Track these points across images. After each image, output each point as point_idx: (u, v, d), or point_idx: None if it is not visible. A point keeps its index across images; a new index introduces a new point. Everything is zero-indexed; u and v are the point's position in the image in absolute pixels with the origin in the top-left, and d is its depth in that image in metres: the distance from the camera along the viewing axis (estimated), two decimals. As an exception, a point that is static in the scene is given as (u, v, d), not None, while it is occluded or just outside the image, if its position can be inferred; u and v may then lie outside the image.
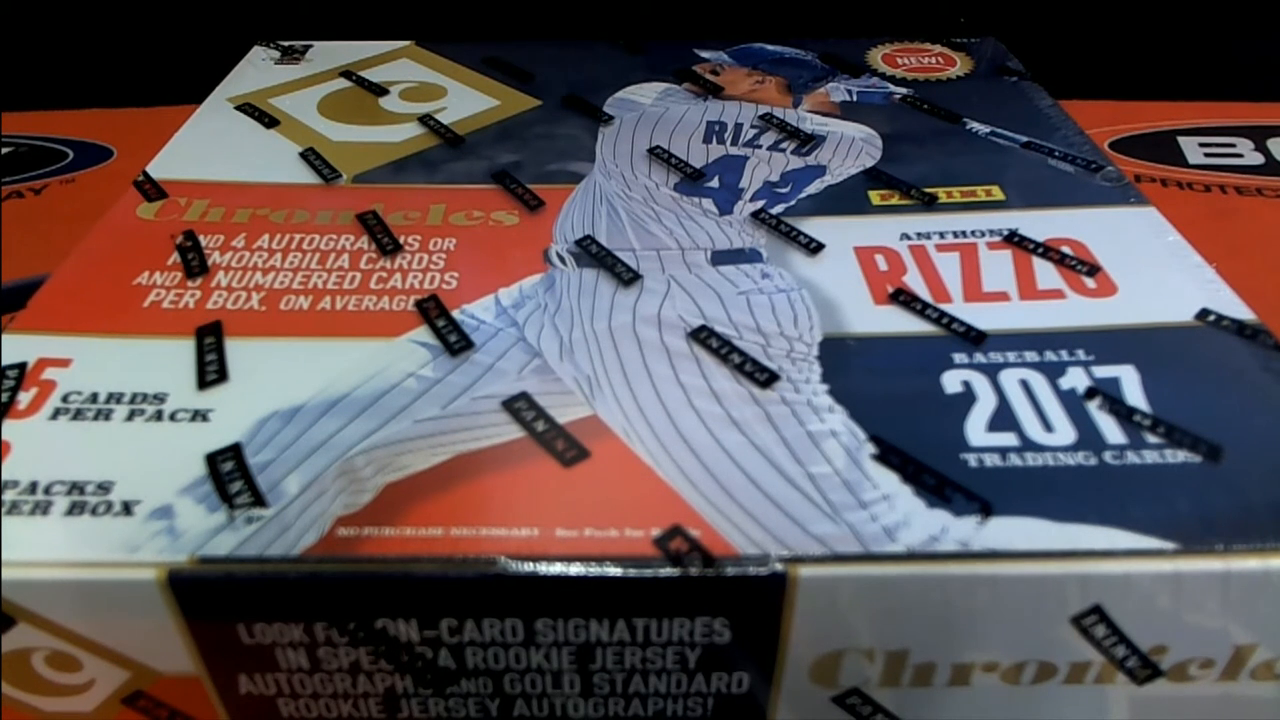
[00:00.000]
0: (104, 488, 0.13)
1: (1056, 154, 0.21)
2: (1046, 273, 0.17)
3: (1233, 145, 0.32)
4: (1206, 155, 0.31)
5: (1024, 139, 0.22)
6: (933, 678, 0.13)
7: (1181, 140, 0.32)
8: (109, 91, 0.37)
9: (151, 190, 0.20)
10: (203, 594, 0.12)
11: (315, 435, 0.14)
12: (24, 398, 0.15)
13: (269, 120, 0.23)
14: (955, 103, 0.23)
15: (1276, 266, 0.24)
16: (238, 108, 0.24)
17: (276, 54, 0.27)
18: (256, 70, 0.26)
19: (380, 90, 0.25)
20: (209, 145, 0.22)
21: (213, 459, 0.13)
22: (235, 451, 0.14)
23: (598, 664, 0.13)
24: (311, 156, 0.21)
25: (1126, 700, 0.14)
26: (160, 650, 0.13)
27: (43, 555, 0.12)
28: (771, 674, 0.13)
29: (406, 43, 0.28)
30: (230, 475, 0.13)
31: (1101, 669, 0.13)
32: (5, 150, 0.32)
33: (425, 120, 0.23)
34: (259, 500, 0.13)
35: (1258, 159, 0.31)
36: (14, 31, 0.41)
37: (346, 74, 0.26)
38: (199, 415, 0.14)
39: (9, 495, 0.13)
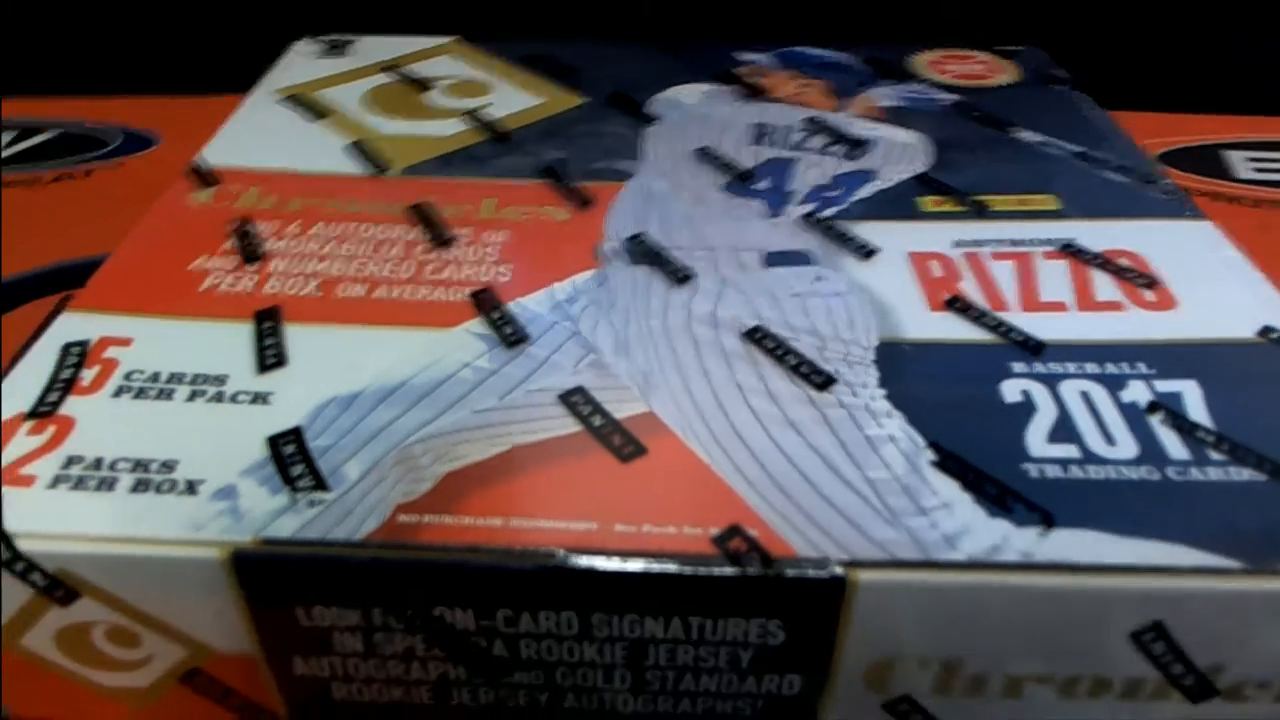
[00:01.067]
0: (168, 466, 0.13)
1: (1110, 165, 0.21)
2: (1104, 284, 0.17)
3: None
4: (1256, 170, 0.31)
5: (1076, 148, 0.21)
6: (986, 688, 0.13)
7: (1229, 154, 0.32)
8: (154, 79, 0.37)
9: (204, 177, 0.20)
10: (265, 575, 0.12)
11: (373, 422, 0.14)
12: (87, 375, 0.15)
13: (318, 112, 0.23)
14: (1004, 110, 0.23)
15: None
16: (285, 99, 0.24)
17: (320, 47, 0.27)
18: (302, 63, 0.26)
19: (425, 85, 0.25)
20: (259, 135, 0.22)
21: (274, 441, 0.14)
22: (296, 435, 0.14)
23: (650, 660, 0.13)
24: (361, 148, 0.21)
25: (1178, 717, 0.14)
26: (219, 629, 0.13)
27: (107, 530, 0.12)
28: (824, 678, 0.13)
29: (449, 38, 0.28)
30: (292, 458, 0.13)
31: (1156, 686, 0.13)
32: (52, 133, 0.32)
33: (471, 115, 0.23)
34: (321, 484, 0.13)
35: None
36: (58, 18, 0.41)
37: (390, 68, 0.26)
38: (259, 398, 0.14)
39: (75, 470, 0.13)
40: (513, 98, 0.24)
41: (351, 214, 0.19)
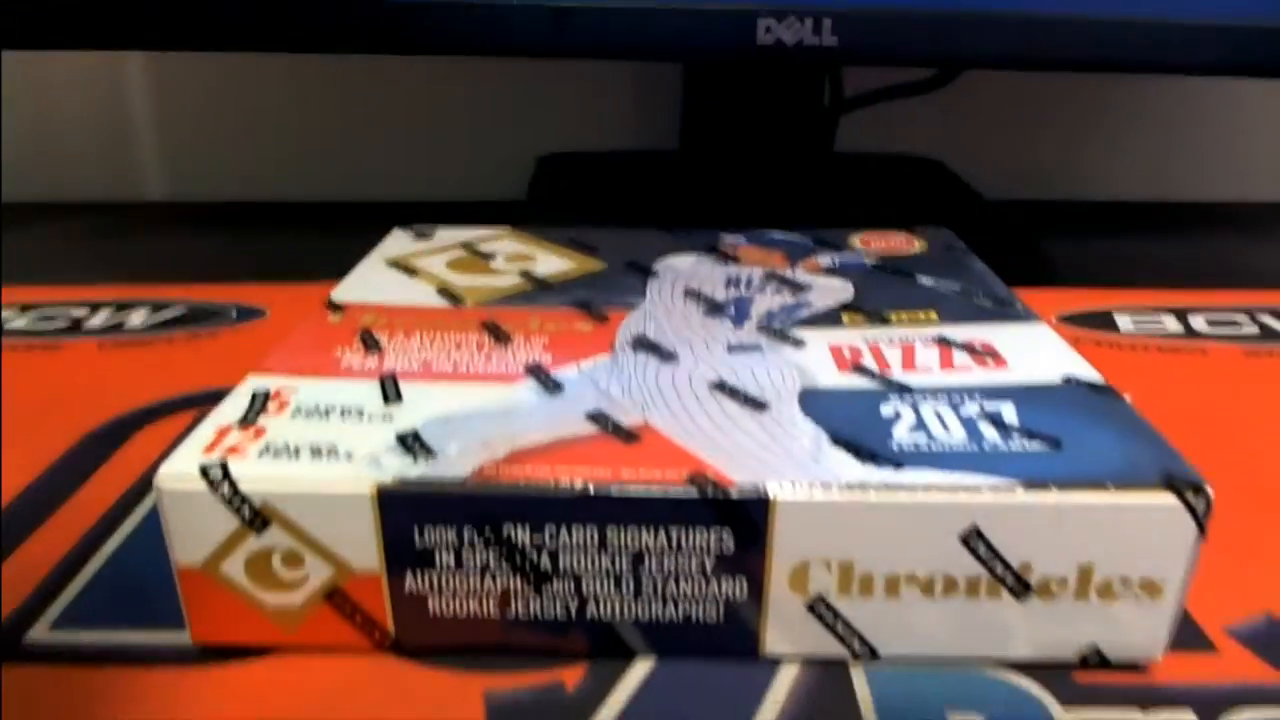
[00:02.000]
0: (332, 448, 0.20)
1: (980, 294, 0.29)
2: (962, 357, 0.25)
3: (1158, 320, 0.40)
4: (1135, 326, 0.39)
5: (958, 286, 0.30)
6: (873, 587, 0.19)
7: (1116, 316, 0.41)
8: (266, 271, 0.47)
9: (335, 307, 0.29)
10: (396, 503, 0.19)
11: (464, 427, 0.21)
12: (271, 406, 0.22)
13: (412, 271, 0.32)
14: (911, 267, 0.32)
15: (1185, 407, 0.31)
16: (388, 264, 0.33)
17: (411, 234, 0.37)
18: (396, 243, 0.35)
19: (489, 256, 0.34)
20: (371, 284, 0.31)
21: (400, 435, 0.21)
22: (414, 432, 0.21)
23: (646, 567, 0.19)
24: (444, 291, 0.30)
25: (1017, 616, 0.20)
26: (359, 551, 0.20)
27: (294, 475, 0.19)
28: (761, 581, 0.19)
29: (504, 228, 0.37)
30: (411, 441, 0.21)
31: (989, 584, 0.19)
32: (181, 309, 0.42)
33: (523, 273, 0.32)
34: (431, 453, 0.20)
35: (1179, 328, 0.39)
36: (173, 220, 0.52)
37: (464, 245, 0.35)
38: (386, 417, 0.22)
39: (271, 450, 0.20)
40: (553, 263, 0.33)
41: (439, 327, 0.27)
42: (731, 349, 0.26)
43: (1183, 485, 0.19)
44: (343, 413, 0.22)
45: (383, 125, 0.64)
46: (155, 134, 0.64)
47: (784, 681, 0.20)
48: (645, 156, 0.61)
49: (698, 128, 0.55)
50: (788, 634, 0.20)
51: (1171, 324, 0.40)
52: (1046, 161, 0.64)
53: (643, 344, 0.26)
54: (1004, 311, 0.28)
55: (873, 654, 0.20)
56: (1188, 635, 0.22)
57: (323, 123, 0.64)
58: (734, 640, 0.20)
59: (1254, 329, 0.39)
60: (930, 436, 0.21)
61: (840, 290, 0.30)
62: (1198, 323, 0.40)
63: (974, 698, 0.20)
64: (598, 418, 0.22)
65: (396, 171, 0.65)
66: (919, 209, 0.51)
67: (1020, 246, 0.48)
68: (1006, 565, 0.19)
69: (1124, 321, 0.40)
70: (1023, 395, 0.23)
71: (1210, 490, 0.19)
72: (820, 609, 0.20)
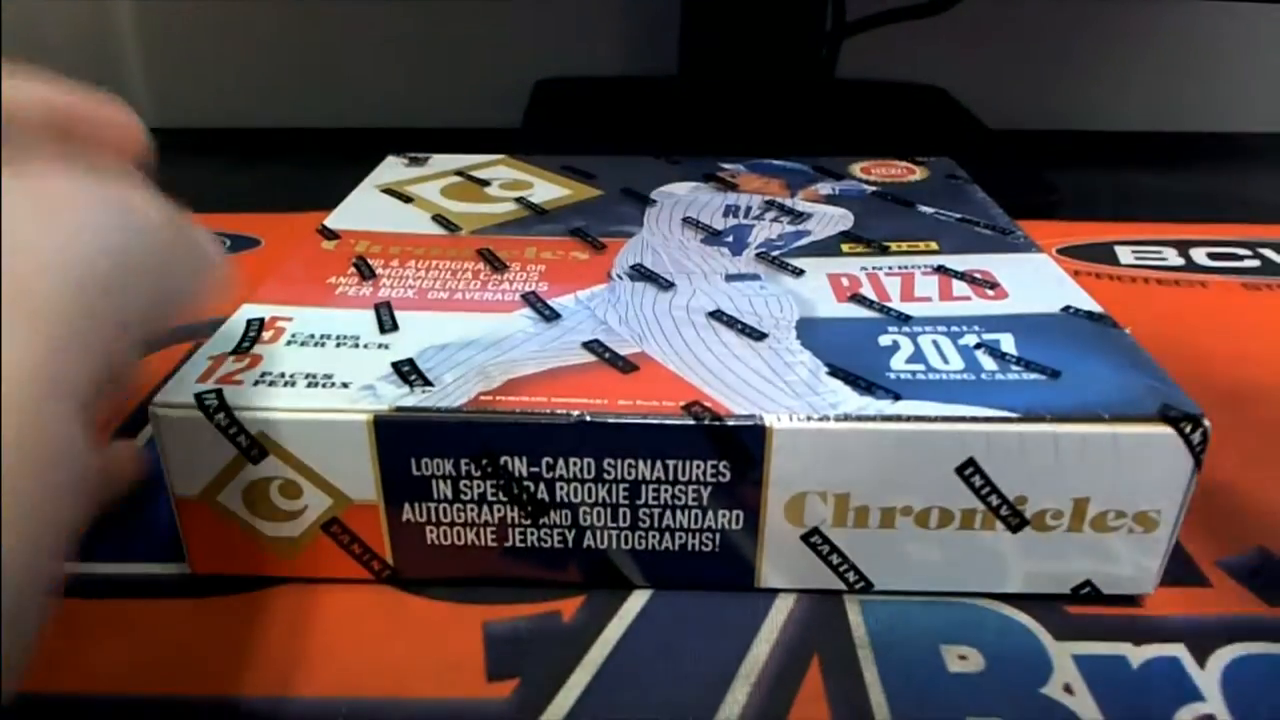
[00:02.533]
0: (329, 376, 0.20)
1: (981, 224, 0.29)
2: (961, 287, 0.24)
3: (1159, 252, 0.40)
4: (1135, 258, 0.39)
5: (959, 215, 0.29)
6: (868, 519, 0.20)
7: (1117, 248, 0.40)
8: (258, 200, 0.47)
9: (328, 234, 0.28)
10: (393, 432, 0.19)
11: (460, 356, 0.21)
12: (266, 335, 0.22)
13: (406, 198, 0.32)
14: (911, 195, 0.31)
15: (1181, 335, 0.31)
16: (382, 191, 0.32)
17: (405, 161, 0.36)
18: (391, 170, 0.35)
19: (485, 183, 0.33)
20: (365, 211, 0.30)
21: (396, 364, 0.21)
22: (410, 361, 0.21)
23: (642, 500, 0.20)
24: (440, 219, 0.30)
25: (1012, 548, 0.20)
26: (357, 481, 0.20)
27: (290, 404, 0.19)
28: (757, 512, 0.20)
29: (501, 156, 0.36)
30: (407, 370, 0.20)
31: (984, 517, 0.19)
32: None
33: (519, 200, 0.31)
34: (428, 382, 0.20)
35: (1180, 261, 0.39)
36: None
37: (459, 173, 0.34)
38: (382, 346, 0.22)
39: (268, 378, 0.20)
40: (549, 190, 0.32)
41: (435, 255, 0.27)
42: (730, 278, 0.25)
43: (1179, 417, 0.19)
44: (338, 341, 0.22)
45: (377, 50, 0.62)
46: (143, 59, 0.62)
47: (779, 613, 0.21)
48: (643, 82, 0.59)
49: (697, 53, 0.54)
50: (783, 566, 0.20)
51: (1172, 256, 0.39)
52: (1051, 91, 0.63)
53: (640, 273, 0.26)
54: (1004, 241, 0.28)
55: (868, 586, 0.21)
56: (1180, 569, 0.22)
57: (316, 48, 0.62)
58: (730, 572, 0.21)
59: (1255, 262, 0.39)
60: (928, 367, 0.21)
61: (840, 219, 0.30)
62: (1199, 255, 0.39)
63: (967, 631, 0.20)
64: (594, 347, 0.22)
65: (391, 97, 0.63)
66: (921, 137, 0.50)
67: (1023, 177, 0.47)
68: (1002, 497, 0.19)
69: (1124, 254, 0.40)
70: (1021, 325, 0.22)
71: (1207, 422, 0.19)
72: (816, 540, 0.20)
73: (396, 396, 0.20)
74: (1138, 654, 0.20)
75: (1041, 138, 0.59)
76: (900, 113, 0.55)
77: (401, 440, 0.19)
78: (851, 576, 0.20)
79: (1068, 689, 0.19)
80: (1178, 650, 0.20)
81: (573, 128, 0.52)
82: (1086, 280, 0.37)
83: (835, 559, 0.20)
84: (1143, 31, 0.62)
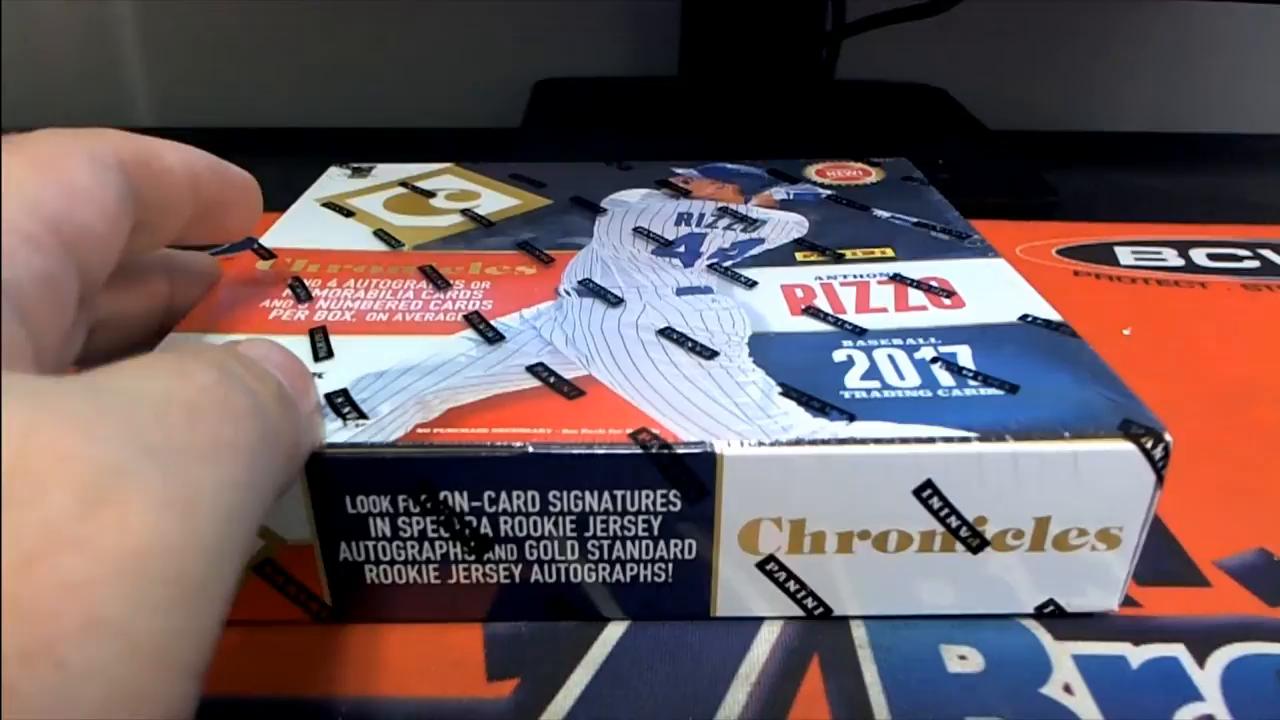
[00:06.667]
0: (256, 411, 0.19)
1: (937, 229, 0.28)
2: (917, 297, 0.24)
3: (1159, 253, 0.40)
4: (1135, 258, 0.39)
5: (915, 220, 0.29)
6: (825, 544, 0.19)
7: (1117, 249, 0.40)
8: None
9: (264, 253, 0.27)
10: (326, 469, 0.18)
11: (398, 384, 0.20)
12: (193, 366, 0.21)
13: (347, 212, 0.30)
14: (866, 199, 0.31)
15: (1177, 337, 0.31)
16: (322, 205, 0.31)
17: (348, 172, 0.35)
18: (333, 182, 0.34)
19: (430, 194, 0.32)
20: (303, 228, 0.29)
21: (330, 395, 0.20)
22: (344, 392, 0.20)
23: (590, 531, 0.19)
24: (381, 234, 0.29)
25: (972, 570, 0.19)
26: (289, 521, 0.19)
27: (218, 446, 0.18)
28: (710, 540, 0.19)
29: (448, 164, 0.35)
30: (341, 402, 0.19)
31: (944, 539, 0.19)
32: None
33: (465, 212, 0.30)
34: (362, 415, 0.19)
35: (1179, 262, 0.39)
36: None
37: (403, 184, 0.33)
38: (316, 375, 0.21)
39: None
40: (497, 201, 0.31)
41: (375, 274, 0.26)
42: (680, 291, 0.25)
43: (1140, 432, 0.18)
44: (269, 372, 0.21)
45: (376, 50, 0.61)
46: (143, 59, 0.61)
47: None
48: (644, 83, 0.58)
49: (697, 54, 0.53)
50: (740, 595, 0.20)
51: (1172, 257, 0.39)
52: (1051, 91, 0.63)
53: (588, 288, 0.25)
54: (961, 245, 0.27)
55: (827, 613, 0.20)
56: (1180, 569, 0.22)
57: (316, 48, 0.61)
58: (685, 602, 0.20)
59: (1255, 263, 0.39)
60: (884, 384, 0.20)
61: (795, 225, 0.29)
62: (1199, 256, 0.39)
63: (967, 631, 0.20)
64: (539, 371, 0.21)
65: (391, 98, 0.62)
66: (921, 138, 0.50)
67: (1023, 177, 0.46)
68: (961, 519, 0.19)
69: (1124, 254, 0.39)
70: (979, 336, 0.22)
71: (1169, 436, 0.18)
72: (772, 568, 0.19)
73: (329, 432, 0.19)
74: (1137, 654, 0.19)
75: (1041, 138, 0.59)
76: (900, 113, 0.54)
77: (335, 478, 0.18)
78: (810, 603, 0.20)
79: (1067, 689, 0.18)
80: (1177, 650, 0.19)
81: (573, 128, 0.51)
82: (1086, 280, 0.37)
83: (793, 585, 0.20)
84: (1142, 32, 0.62)
